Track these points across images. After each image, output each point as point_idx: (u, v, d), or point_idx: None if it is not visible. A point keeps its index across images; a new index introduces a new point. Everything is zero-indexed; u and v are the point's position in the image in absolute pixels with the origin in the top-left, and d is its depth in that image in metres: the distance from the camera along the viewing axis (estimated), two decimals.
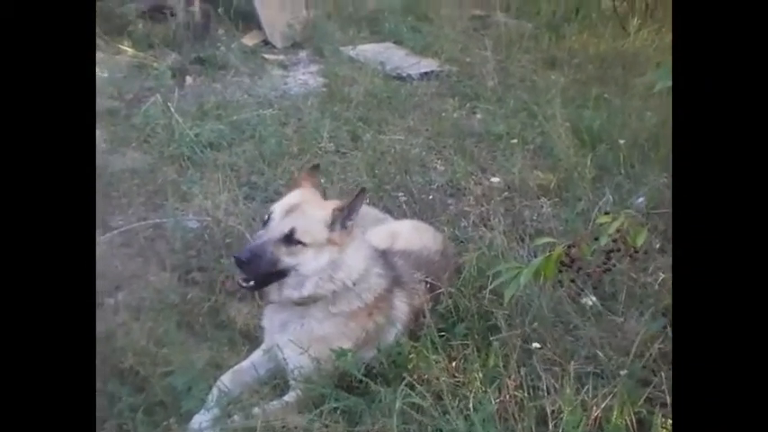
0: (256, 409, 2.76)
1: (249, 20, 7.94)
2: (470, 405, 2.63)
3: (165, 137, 5.28)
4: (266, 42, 7.82)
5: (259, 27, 7.88)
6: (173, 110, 5.43)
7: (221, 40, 7.44)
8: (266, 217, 3.03)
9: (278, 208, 3.02)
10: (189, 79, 6.59)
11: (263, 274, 2.92)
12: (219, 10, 7.72)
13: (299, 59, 7.63)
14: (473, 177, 5.00)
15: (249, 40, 7.74)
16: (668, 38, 7.93)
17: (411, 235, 3.66)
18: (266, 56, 7.51)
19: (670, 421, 2.50)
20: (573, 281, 2.29)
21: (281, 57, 7.58)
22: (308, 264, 2.92)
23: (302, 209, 2.98)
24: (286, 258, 2.90)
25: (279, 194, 4.40)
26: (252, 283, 2.97)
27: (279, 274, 2.94)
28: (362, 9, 8.93)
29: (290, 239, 2.89)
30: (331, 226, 2.97)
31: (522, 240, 3.96)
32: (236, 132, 5.48)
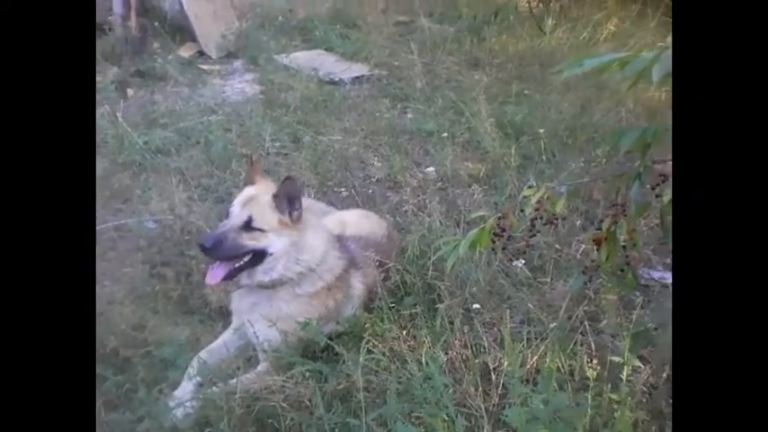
0: (233, 381, 3.03)
1: (184, 32, 7.99)
2: (423, 360, 2.96)
3: (116, 145, 5.41)
4: (201, 53, 7.87)
5: (194, 39, 7.93)
6: (121, 119, 5.61)
7: (158, 53, 7.53)
8: (228, 212, 3.33)
9: (237, 201, 3.34)
10: (130, 91, 6.67)
11: (228, 258, 3.22)
12: (155, 24, 7.83)
13: (234, 69, 7.69)
14: (409, 171, 5.28)
15: (185, 51, 7.80)
16: (582, 35, 8.25)
17: (359, 221, 4.00)
18: (202, 66, 7.57)
19: (595, 361, 2.88)
20: (504, 248, 2.61)
21: (217, 67, 7.63)
22: (274, 245, 3.25)
23: (256, 199, 3.30)
24: (250, 243, 3.22)
25: (229, 195, 4.68)
26: (221, 277, 3.24)
27: (252, 261, 3.25)
28: (293, 18, 8.99)
29: (249, 227, 3.22)
30: (276, 209, 3.27)
31: (458, 224, 4.30)
32: (183, 139, 5.66)
